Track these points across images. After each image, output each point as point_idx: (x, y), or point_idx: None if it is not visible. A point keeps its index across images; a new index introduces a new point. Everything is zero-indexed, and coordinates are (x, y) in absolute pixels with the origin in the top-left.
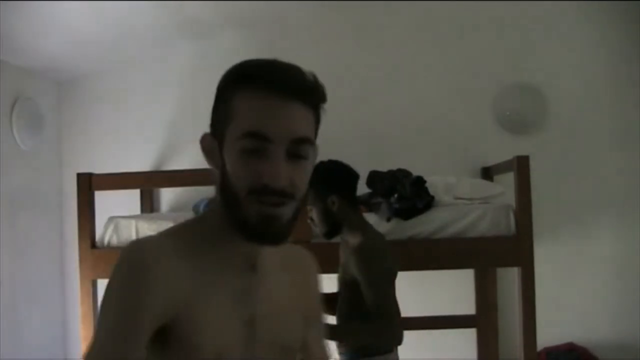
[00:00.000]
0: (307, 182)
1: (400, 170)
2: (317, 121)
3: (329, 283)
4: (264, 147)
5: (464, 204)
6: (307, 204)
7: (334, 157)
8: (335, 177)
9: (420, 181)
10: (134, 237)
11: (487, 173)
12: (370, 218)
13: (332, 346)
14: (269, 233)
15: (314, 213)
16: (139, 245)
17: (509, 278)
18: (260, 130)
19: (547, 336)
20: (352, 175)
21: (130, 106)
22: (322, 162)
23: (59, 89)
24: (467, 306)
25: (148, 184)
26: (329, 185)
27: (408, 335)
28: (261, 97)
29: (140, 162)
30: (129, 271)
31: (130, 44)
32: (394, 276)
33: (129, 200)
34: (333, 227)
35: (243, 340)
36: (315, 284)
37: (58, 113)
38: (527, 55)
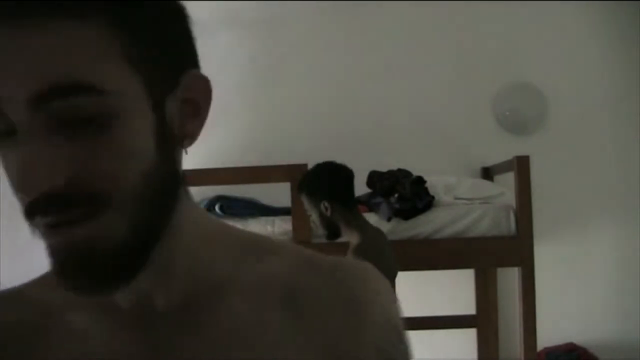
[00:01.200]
0: (142, 159)
1: (400, 170)
2: (147, 39)
3: None
4: (4, 124)
5: (464, 204)
6: (305, 209)
7: (333, 158)
8: (323, 182)
9: (420, 181)
10: None
11: (487, 173)
12: (371, 218)
13: None
14: (77, 275)
15: (313, 217)
16: None
17: (509, 278)
18: None
19: (547, 336)
20: (344, 177)
21: None
22: (313, 167)
23: None
24: (467, 306)
25: None
26: (319, 191)
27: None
28: None
29: None
30: None
31: None
32: (394, 276)
33: None
34: (332, 230)
35: None
36: (360, 324)
37: None
38: (527, 55)
